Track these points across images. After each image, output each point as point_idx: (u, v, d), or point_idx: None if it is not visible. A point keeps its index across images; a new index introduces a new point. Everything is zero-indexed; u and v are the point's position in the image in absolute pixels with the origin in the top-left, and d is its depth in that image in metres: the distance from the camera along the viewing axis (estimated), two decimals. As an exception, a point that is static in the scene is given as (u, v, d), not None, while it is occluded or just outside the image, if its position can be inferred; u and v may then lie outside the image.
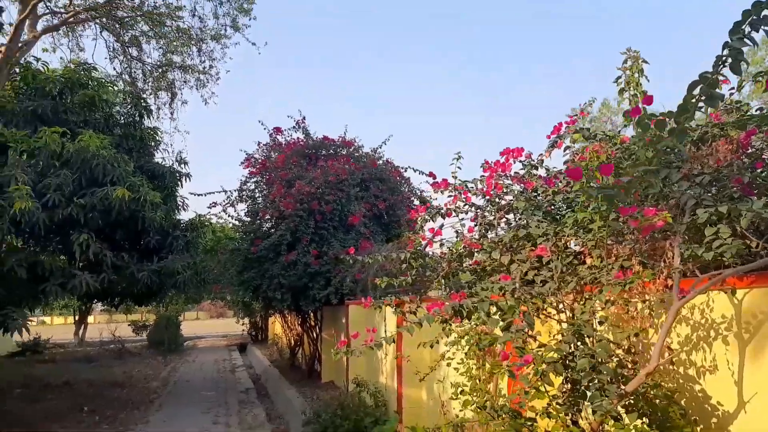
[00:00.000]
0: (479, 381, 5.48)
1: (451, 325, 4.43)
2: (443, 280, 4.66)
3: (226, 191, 13.20)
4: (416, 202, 14.07)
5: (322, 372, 13.16)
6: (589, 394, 3.11)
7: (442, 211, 4.65)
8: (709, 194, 3.32)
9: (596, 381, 2.67)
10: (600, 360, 2.80)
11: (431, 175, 12.97)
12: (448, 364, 5.61)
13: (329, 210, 12.25)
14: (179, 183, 11.97)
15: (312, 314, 13.99)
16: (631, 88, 3.50)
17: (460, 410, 5.61)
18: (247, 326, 29.53)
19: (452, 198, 4.58)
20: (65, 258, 9.76)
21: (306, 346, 14.96)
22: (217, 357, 23.27)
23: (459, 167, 4.74)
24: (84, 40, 18.40)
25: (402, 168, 13.43)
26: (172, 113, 17.78)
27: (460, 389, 5.31)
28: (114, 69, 17.14)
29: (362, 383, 9.03)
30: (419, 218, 4.78)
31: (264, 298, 12.99)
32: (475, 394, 5.45)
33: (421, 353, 7.21)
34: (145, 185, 9.55)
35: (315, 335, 13.88)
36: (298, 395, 11.40)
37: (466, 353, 5.57)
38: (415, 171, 12.95)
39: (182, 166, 12.20)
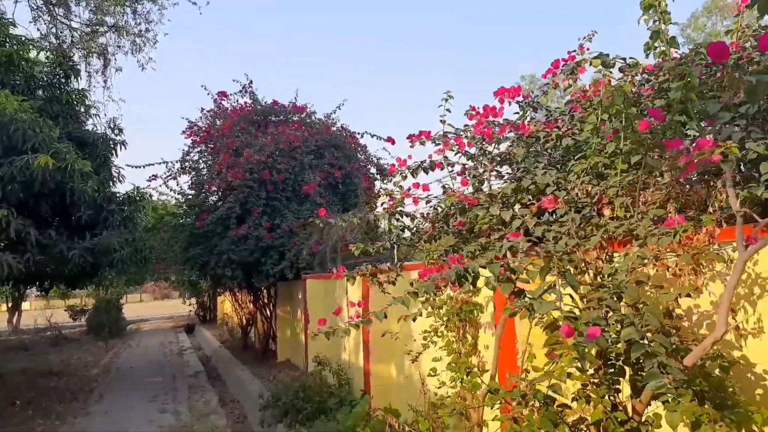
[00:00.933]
0: (460, 355, 4.95)
1: (436, 294, 3.84)
2: (426, 245, 4.04)
3: (167, 162, 12.19)
4: (372, 171, 13.42)
5: (277, 351, 12.48)
6: (627, 370, 2.57)
7: (426, 164, 4.00)
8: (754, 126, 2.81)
9: (650, 355, 2.12)
10: (648, 328, 2.25)
11: (390, 140, 12.46)
12: (426, 338, 5.05)
13: (281, 180, 11.44)
14: (113, 152, 10.82)
15: (265, 291, 13.23)
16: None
17: (438, 387, 5.09)
18: (194, 307, 28.37)
19: (439, 148, 3.93)
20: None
21: (259, 325, 14.21)
22: (162, 340, 22.15)
23: (448, 110, 4.09)
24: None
25: (358, 134, 12.69)
26: (105, 81, 16.36)
27: (443, 367, 4.78)
28: (39, 31, 15.60)
29: (324, 362, 8.41)
30: (397, 173, 4.10)
31: (213, 276, 12.11)
32: (456, 369, 4.94)
33: (390, 326, 6.64)
34: (72, 153, 8.46)
35: (269, 313, 13.14)
36: (253, 377, 10.69)
37: (445, 325, 5.03)
38: (372, 136, 12.30)
39: (117, 133, 11.04)
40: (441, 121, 4.09)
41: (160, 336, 23.95)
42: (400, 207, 4.21)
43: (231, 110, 12.56)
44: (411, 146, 4.39)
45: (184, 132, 12.63)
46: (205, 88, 13.03)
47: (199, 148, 12.56)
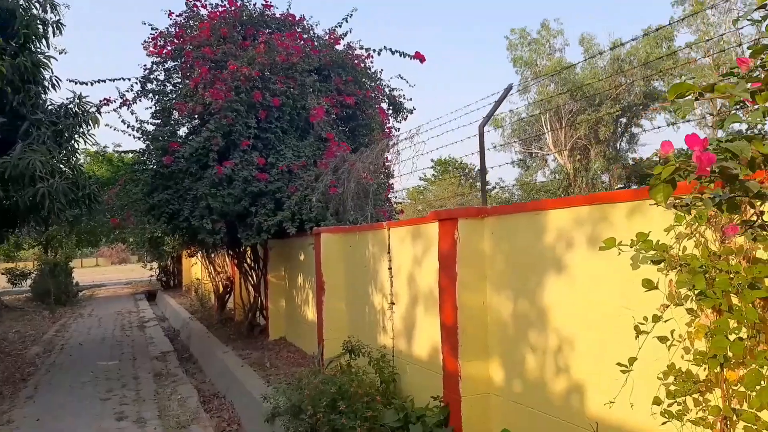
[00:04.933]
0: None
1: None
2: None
3: (125, 79, 9.22)
4: (384, 106, 10.69)
5: (269, 327, 9.86)
6: None
7: None
8: None
9: None
10: None
11: (418, 56, 9.74)
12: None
13: (277, 105, 8.66)
14: (40, 32, 7.55)
15: (250, 251, 10.51)
16: None
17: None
18: (155, 272, 25.34)
19: None
20: None
21: (242, 294, 11.53)
22: (120, 308, 19.22)
23: None
24: None
25: (373, 51, 9.87)
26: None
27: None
28: None
29: (357, 348, 5.85)
30: None
31: (185, 230, 9.35)
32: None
33: (494, 301, 4.12)
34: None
35: (256, 279, 10.45)
36: (243, 362, 8.09)
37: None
38: (394, 53, 9.50)
39: (49, 9, 7.74)
40: None
41: (117, 304, 20.97)
42: None
43: (208, 15, 9.57)
44: None
45: (146, 44, 9.62)
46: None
47: (166, 64, 9.60)
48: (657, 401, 2.63)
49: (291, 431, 4.86)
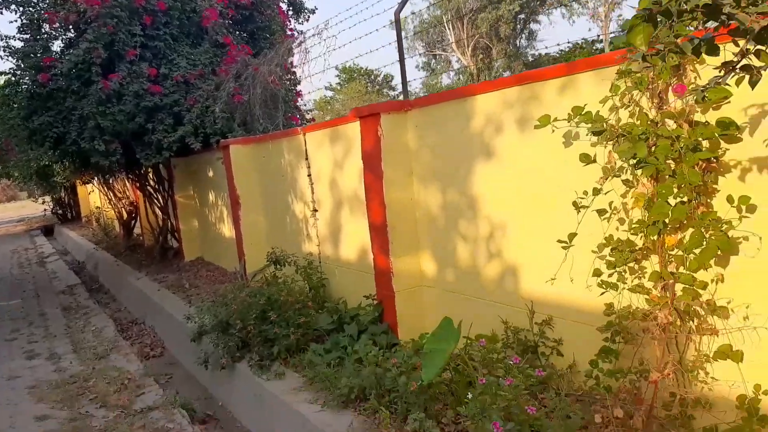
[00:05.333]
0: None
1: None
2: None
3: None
4: (282, 6, 9.93)
5: (183, 248, 9.43)
6: None
7: None
8: None
9: None
10: None
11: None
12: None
13: (163, 8, 7.78)
14: None
15: (152, 172, 9.82)
16: None
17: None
18: (49, 205, 23.51)
19: None
20: None
21: (149, 218, 10.89)
22: (15, 246, 17.82)
23: None
24: None
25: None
26: None
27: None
28: None
29: (282, 259, 5.68)
30: None
31: (76, 155, 8.53)
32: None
33: (420, 196, 4.03)
34: None
35: (163, 201, 9.85)
36: (159, 286, 7.73)
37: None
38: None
39: None
40: None
41: (10, 242, 19.42)
42: None
43: None
44: None
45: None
46: None
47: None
48: (597, 273, 2.66)
49: (221, 347, 4.71)
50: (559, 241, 2.72)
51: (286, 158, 5.99)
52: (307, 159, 5.53)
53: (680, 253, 2.43)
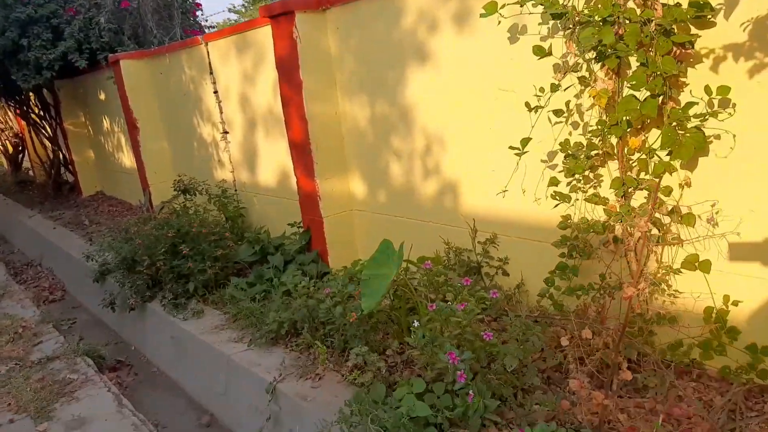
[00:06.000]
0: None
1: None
2: None
3: None
4: None
5: (79, 182, 8.53)
6: None
7: None
8: None
9: None
10: None
11: None
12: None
13: None
14: None
15: (34, 97, 8.67)
16: None
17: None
18: None
19: None
20: None
21: (37, 150, 9.76)
22: None
23: None
24: None
25: None
26: None
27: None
28: None
29: (192, 187, 5.15)
30: None
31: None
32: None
33: (347, 109, 3.63)
34: None
35: (51, 130, 8.77)
36: (54, 224, 6.95)
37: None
38: None
39: None
40: None
41: None
42: None
43: None
44: None
45: None
46: None
47: None
48: (553, 182, 2.40)
49: (128, 287, 4.21)
50: (512, 148, 2.42)
51: (187, 74, 5.30)
52: (212, 73, 4.89)
53: (643, 156, 2.21)
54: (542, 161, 2.61)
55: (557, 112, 2.32)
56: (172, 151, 6.06)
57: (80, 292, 5.46)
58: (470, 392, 1.96)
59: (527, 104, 2.34)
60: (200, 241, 4.12)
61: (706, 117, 1.94)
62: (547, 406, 2.20)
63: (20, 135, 10.50)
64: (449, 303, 2.27)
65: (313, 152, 3.65)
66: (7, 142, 10.75)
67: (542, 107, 2.31)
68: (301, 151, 3.74)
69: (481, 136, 2.91)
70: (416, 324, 2.30)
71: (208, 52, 4.85)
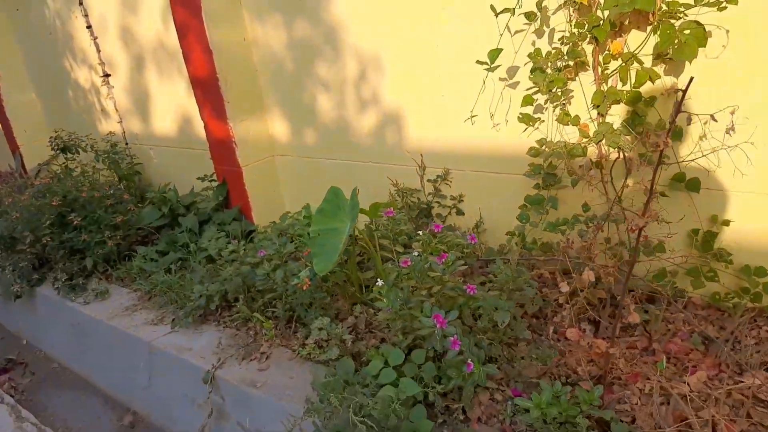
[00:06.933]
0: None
1: None
2: None
3: None
4: None
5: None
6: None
7: None
8: None
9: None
10: None
11: None
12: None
13: None
14: None
15: None
16: None
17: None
18: None
19: None
20: None
21: None
22: None
23: None
24: None
25: None
26: None
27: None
28: None
29: (72, 142, 4.37)
30: None
31: None
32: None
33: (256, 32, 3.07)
34: None
35: None
36: None
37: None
38: None
39: None
40: None
41: None
42: None
43: None
44: None
45: None
46: None
47: None
48: (528, 100, 2.04)
49: (9, 271, 3.50)
50: (479, 62, 2.02)
51: (51, 6, 4.40)
52: (81, 4, 4.06)
53: (622, 63, 1.89)
54: (501, 79, 2.24)
55: (529, 15, 1.94)
56: (44, 104, 5.15)
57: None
58: (469, 361, 1.63)
59: (492, 7, 1.94)
60: (93, 208, 3.45)
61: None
62: (538, 360, 1.93)
63: None
64: (421, 256, 1.90)
65: (222, 90, 3.06)
66: None
67: (512, 9, 1.92)
68: (206, 90, 3.15)
69: (426, 55, 2.48)
70: (380, 283, 1.92)
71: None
